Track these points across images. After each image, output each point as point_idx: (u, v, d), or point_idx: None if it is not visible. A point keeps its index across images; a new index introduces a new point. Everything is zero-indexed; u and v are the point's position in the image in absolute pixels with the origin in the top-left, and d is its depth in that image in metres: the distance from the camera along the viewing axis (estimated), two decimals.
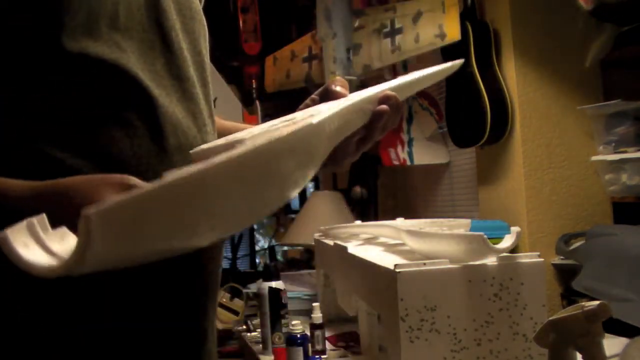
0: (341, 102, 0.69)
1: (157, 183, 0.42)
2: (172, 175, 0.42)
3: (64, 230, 0.49)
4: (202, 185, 0.43)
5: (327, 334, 1.58)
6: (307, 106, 0.79)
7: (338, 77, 0.79)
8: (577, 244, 1.72)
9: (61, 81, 0.62)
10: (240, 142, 0.58)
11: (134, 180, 0.57)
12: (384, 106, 0.71)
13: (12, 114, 0.61)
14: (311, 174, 0.59)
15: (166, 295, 0.67)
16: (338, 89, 0.75)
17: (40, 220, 0.48)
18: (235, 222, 0.53)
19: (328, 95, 0.76)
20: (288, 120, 0.63)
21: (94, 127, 0.63)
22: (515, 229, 0.98)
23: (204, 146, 0.66)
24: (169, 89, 0.70)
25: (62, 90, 0.62)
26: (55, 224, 0.52)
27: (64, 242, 0.48)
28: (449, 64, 0.87)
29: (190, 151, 0.65)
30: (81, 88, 0.63)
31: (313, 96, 0.80)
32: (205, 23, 0.81)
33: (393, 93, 0.73)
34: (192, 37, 0.76)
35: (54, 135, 0.62)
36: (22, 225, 0.47)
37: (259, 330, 1.78)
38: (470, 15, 1.96)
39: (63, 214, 0.52)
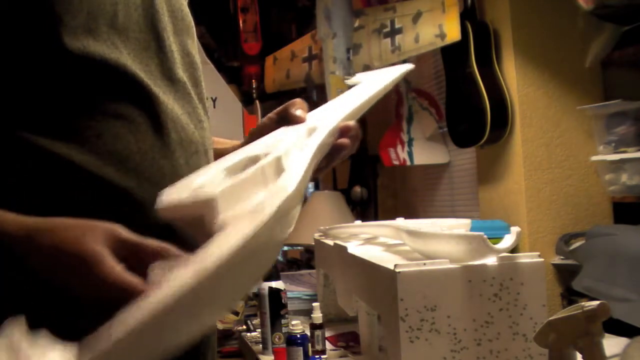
0: (310, 144, 0.69)
1: (124, 329, 0.44)
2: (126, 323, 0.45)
3: (45, 343, 0.47)
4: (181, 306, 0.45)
5: (327, 334, 1.58)
6: (265, 126, 0.80)
7: (298, 100, 0.79)
8: (577, 244, 1.72)
9: (64, 80, 0.63)
10: (207, 203, 0.53)
11: (121, 231, 0.58)
12: (344, 140, 0.74)
13: (15, 112, 0.62)
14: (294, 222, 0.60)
15: None
16: (298, 113, 0.76)
17: (19, 331, 0.46)
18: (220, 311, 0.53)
19: (287, 118, 0.77)
20: (255, 161, 0.62)
21: (99, 124, 0.64)
22: (515, 229, 0.98)
23: (173, 195, 0.57)
24: (164, 89, 0.71)
25: (66, 89, 0.63)
26: (45, 265, 0.56)
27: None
28: (401, 69, 0.89)
29: (158, 206, 0.57)
30: (84, 86, 0.63)
31: (271, 115, 0.81)
32: (193, 25, 0.82)
33: (353, 124, 0.76)
34: (181, 38, 0.77)
35: (59, 133, 0.62)
36: (3, 342, 0.46)
37: (259, 330, 1.78)
38: (470, 15, 1.96)
39: (53, 255, 0.56)
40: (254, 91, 3.23)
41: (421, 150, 2.41)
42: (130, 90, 0.66)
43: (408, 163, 2.41)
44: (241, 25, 3.19)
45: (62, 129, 0.62)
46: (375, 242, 1.34)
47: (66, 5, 0.62)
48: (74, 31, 0.62)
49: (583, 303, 0.76)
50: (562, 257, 1.79)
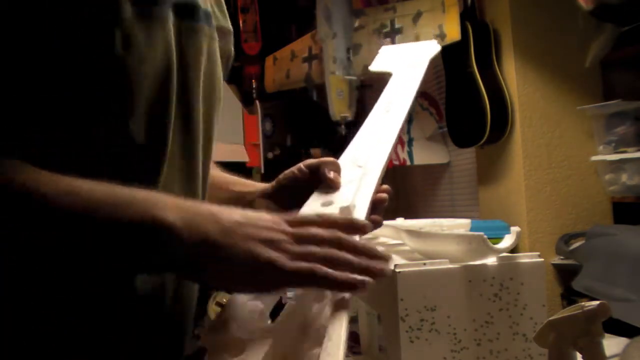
0: None
1: None
2: None
3: None
4: None
5: None
6: (294, 177, 0.79)
7: (332, 160, 0.79)
8: (577, 244, 1.72)
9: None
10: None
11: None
12: (378, 218, 0.76)
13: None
14: None
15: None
16: (332, 176, 0.76)
17: None
18: None
19: (320, 177, 0.77)
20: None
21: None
22: (515, 229, 0.98)
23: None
24: (175, 167, 0.67)
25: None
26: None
27: None
28: (429, 51, 0.89)
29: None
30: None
31: (302, 168, 0.80)
32: (222, 94, 0.77)
33: (386, 195, 0.78)
34: (209, 116, 0.73)
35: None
36: None
37: None
38: (470, 15, 1.96)
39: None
40: (254, 91, 3.23)
41: (421, 150, 2.41)
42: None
43: (408, 163, 2.41)
44: (241, 25, 3.19)
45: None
46: (375, 242, 1.34)
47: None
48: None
49: (583, 303, 0.76)
50: (562, 257, 1.79)
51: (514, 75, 1.88)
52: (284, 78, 2.63)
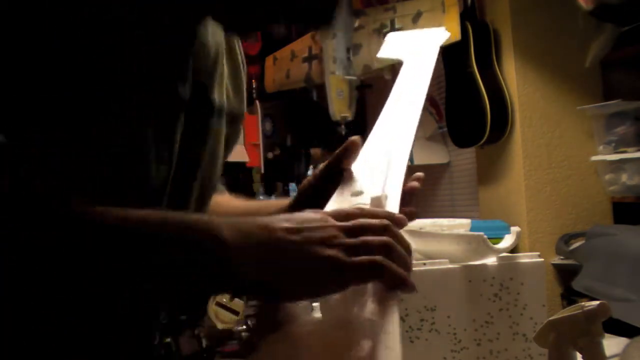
0: None
1: None
2: None
3: None
4: None
5: None
6: (311, 186, 0.77)
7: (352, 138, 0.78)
8: (577, 244, 1.72)
9: None
10: None
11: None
12: (412, 210, 0.75)
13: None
14: None
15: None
16: (350, 144, 0.75)
17: None
18: None
19: (346, 154, 0.75)
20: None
21: None
22: (515, 229, 0.98)
23: None
24: None
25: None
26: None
27: None
28: (437, 38, 0.88)
29: None
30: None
31: (316, 173, 0.78)
32: (217, 187, 0.79)
33: (419, 184, 0.77)
34: (203, 203, 0.73)
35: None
36: None
37: None
38: (470, 15, 1.96)
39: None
40: (254, 91, 3.23)
41: (421, 150, 2.40)
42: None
43: (408, 163, 2.41)
44: None
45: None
46: None
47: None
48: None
49: (583, 303, 0.76)
50: (562, 257, 1.79)
51: (514, 75, 1.88)
52: (284, 78, 2.63)
